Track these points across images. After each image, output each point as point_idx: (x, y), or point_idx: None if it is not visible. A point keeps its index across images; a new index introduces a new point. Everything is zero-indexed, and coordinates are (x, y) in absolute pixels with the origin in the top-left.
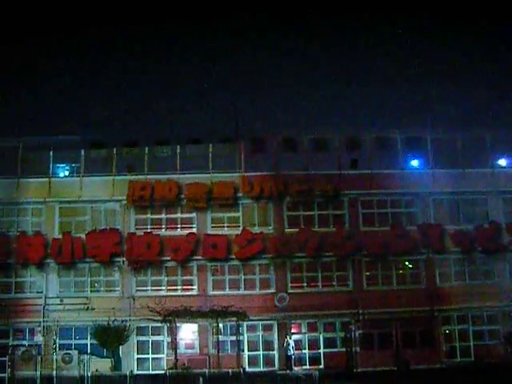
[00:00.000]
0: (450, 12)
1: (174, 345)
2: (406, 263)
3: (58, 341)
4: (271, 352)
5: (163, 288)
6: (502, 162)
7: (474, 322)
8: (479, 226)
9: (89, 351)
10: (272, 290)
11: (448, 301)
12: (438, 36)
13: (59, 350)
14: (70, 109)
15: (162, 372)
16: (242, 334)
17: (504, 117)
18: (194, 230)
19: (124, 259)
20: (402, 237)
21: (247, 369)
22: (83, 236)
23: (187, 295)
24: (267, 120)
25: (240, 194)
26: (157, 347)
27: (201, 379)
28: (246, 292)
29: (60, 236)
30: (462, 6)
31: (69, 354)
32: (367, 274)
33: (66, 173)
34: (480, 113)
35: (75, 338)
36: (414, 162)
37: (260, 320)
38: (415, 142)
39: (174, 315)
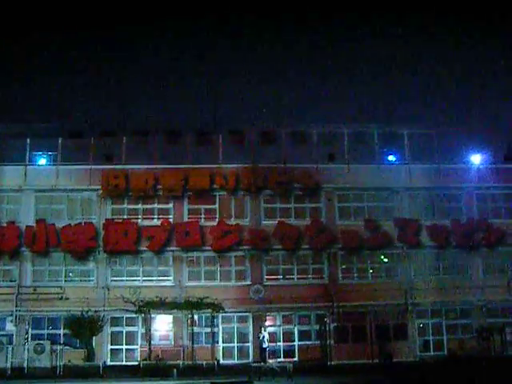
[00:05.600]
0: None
1: (148, 336)
2: (381, 257)
3: (30, 331)
4: (246, 344)
5: (139, 278)
6: (476, 158)
7: (448, 315)
8: (455, 221)
9: (61, 341)
10: (247, 282)
11: (422, 294)
12: (414, 32)
13: (31, 340)
14: (49, 97)
15: (136, 363)
16: (217, 326)
17: (479, 114)
18: (171, 221)
19: (100, 249)
20: (377, 231)
21: (221, 361)
22: (58, 224)
23: (163, 286)
24: (245, 113)
25: (217, 186)
26: (131, 338)
27: (175, 371)
28: (222, 283)
29: (34, 224)
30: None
31: (41, 344)
32: (343, 267)
33: (43, 161)
34: (456, 109)
35: (48, 328)
36: (391, 157)
37: (235, 312)
38: (392, 137)
39: (148, 306)
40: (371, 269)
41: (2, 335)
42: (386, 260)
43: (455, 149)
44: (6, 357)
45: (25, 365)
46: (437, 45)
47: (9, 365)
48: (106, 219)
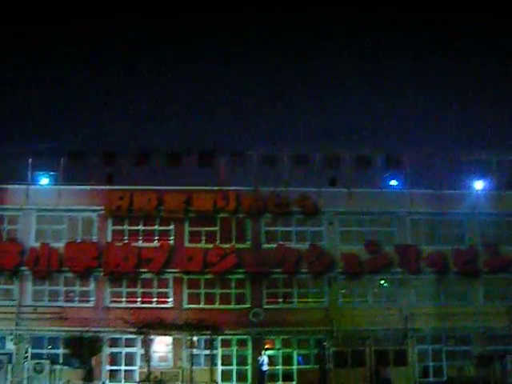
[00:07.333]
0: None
1: (147, 357)
2: (382, 282)
3: (30, 350)
4: (244, 367)
5: (138, 300)
6: (479, 184)
7: (448, 342)
8: (456, 249)
9: (61, 361)
10: (247, 305)
11: (422, 320)
12: (417, 56)
13: (31, 359)
14: (53, 116)
15: None
16: (216, 349)
17: (483, 140)
18: (171, 243)
19: (100, 270)
20: (378, 254)
21: (220, 383)
22: (60, 246)
23: (162, 307)
24: (248, 135)
25: (218, 208)
26: (130, 359)
27: None
28: (221, 306)
29: (37, 245)
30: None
31: (40, 363)
32: (342, 291)
33: (45, 180)
34: (460, 135)
35: (47, 348)
36: (393, 182)
37: (234, 335)
38: (394, 162)
39: (148, 327)
40: (371, 294)
41: (2, 354)
42: (386, 285)
43: (458, 174)
44: (6, 375)
45: (24, 383)
46: (438, 70)
47: (8, 383)
48: (106, 242)
